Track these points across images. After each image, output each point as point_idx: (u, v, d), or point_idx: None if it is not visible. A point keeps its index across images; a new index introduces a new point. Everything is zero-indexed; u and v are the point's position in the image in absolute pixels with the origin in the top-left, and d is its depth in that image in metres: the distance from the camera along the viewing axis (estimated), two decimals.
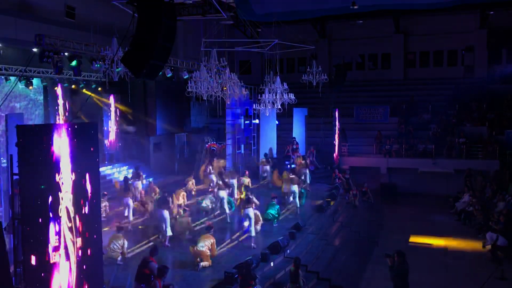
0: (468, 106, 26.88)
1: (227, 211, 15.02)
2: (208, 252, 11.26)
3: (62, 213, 6.89)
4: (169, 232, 12.68)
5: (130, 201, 14.63)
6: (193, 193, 17.96)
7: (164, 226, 12.67)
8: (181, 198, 15.62)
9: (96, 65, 15.35)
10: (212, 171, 18.55)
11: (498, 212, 17.70)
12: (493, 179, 21.68)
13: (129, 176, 17.33)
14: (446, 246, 16.60)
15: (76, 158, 7.17)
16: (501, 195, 18.85)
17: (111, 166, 21.81)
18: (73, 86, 20.35)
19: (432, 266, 14.69)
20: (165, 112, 25.75)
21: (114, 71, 14.67)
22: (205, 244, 11.20)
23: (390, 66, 32.10)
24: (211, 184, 17.82)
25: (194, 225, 14.10)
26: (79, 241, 7.27)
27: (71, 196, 7.09)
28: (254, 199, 14.04)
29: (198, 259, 11.12)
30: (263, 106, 18.78)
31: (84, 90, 20.51)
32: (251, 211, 13.45)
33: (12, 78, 16.94)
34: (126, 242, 11.35)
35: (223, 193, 15.13)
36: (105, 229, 12.69)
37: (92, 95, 21.39)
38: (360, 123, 27.93)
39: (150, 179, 18.96)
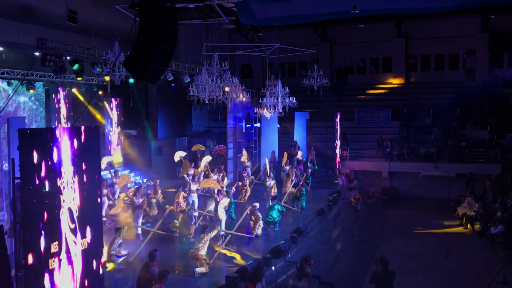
0: (469, 110, 26.87)
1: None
2: (205, 256, 11.21)
3: (64, 217, 6.89)
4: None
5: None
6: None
7: None
8: (181, 199, 15.54)
9: (97, 69, 15.38)
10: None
11: (500, 216, 17.64)
12: (494, 183, 21.62)
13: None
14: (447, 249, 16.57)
15: (78, 162, 7.18)
16: (502, 199, 18.80)
17: (113, 170, 21.81)
18: (74, 90, 20.39)
19: (434, 270, 14.65)
20: (167, 116, 25.77)
21: (116, 75, 14.69)
22: (201, 245, 11.14)
23: (391, 70, 32.14)
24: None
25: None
26: (81, 243, 7.27)
27: (72, 199, 7.10)
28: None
29: (198, 264, 11.09)
30: (264, 109, 18.79)
31: (86, 93, 20.57)
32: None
33: (14, 82, 16.99)
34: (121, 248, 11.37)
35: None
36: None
37: (99, 93, 21.42)
38: (362, 127, 27.93)
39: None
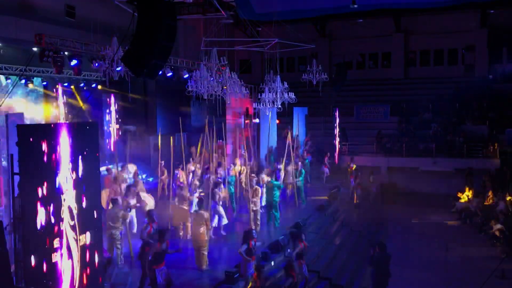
0: (468, 105, 26.88)
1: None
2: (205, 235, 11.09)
3: (65, 214, 6.89)
4: None
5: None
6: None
7: None
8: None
9: (96, 65, 15.31)
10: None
11: (499, 211, 17.72)
12: (493, 178, 21.67)
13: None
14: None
15: (77, 158, 7.18)
16: (501, 195, 18.85)
17: (112, 166, 21.79)
18: (72, 86, 20.36)
19: (432, 264, 14.70)
20: (165, 111, 25.72)
21: (114, 70, 14.63)
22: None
23: (390, 65, 32.11)
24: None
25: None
26: (81, 238, 7.28)
27: (72, 195, 7.10)
28: (219, 193, 13.45)
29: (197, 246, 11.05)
30: (263, 105, 18.76)
31: (84, 88, 20.54)
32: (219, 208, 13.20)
33: (12, 78, 16.94)
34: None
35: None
36: None
37: (99, 89, 21.40)
38: (361, 122, 27.91)
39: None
